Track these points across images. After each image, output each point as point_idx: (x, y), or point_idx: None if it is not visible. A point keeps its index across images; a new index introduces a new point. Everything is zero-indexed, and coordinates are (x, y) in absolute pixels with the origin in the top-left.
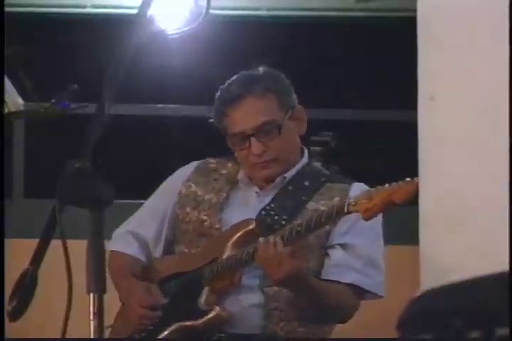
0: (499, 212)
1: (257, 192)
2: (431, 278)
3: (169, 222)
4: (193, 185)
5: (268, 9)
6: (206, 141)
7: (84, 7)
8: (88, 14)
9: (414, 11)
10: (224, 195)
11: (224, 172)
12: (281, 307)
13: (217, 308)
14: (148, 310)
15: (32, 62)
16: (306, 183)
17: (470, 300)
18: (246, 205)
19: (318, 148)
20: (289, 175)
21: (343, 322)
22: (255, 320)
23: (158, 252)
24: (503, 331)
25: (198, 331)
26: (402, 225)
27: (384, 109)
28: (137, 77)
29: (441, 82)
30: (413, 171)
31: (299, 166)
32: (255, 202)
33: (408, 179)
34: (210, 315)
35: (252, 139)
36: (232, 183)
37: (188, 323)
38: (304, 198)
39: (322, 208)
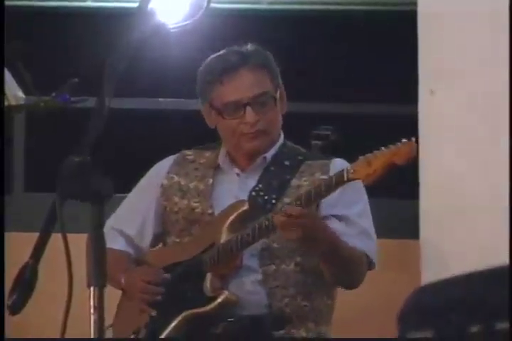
0: (499, 206)
1: (237, 174)
2: (432, 272)
3: (155, 216)
4: (175, 177)
5: (268, 3)
6: (206, 135)
7: (84, 0)
8: (88, 8)
9: (415, 4)
10: (210, 180)
11: (202, 161)
12: (282, 284)
13: (226, 292)
14: (150, 285)
15: (32, 56)
16: (287, 163)
17: (470, 293)
18: (230, 188)
19: (319, 142)
20: (269, 155)
21: (355, 285)
22: (260, 299)
23: (145, 246)
24: (503, 325)
25: (208, 317)
26: (403, 219)
27: (384, 103)
28: (138, 70)
29: (442, 77)
30: (414, 164)
31: (277, 146)
32: (238, 184)
33: (404, 140)
34: (219, 300)
35: (248, 108)
36: (214, 168)
37: (197, 310)
38: (287, 177)
39: (305, 184)
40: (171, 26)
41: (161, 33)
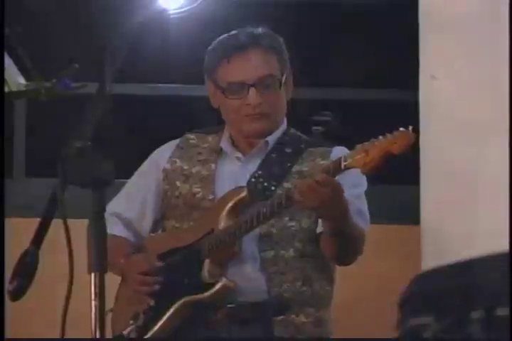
0: (500, 192)
1: (238, 158)
2: (432, 258)
3: (156, 200)
4: (177, 161)
5: None
6: (207, 121)
7: None
8: None
9: None
10: (213, 165)
11: (205, 145)
12: (281, 270)
13: (224, 279)
14: (147, 276)
15: (31, 39)
16: (288, 150)
17: (471, 280)
18: (232, 173)
19: (319, 128)
20: (271, 139)
21: (351, 262)
22: (259, 285)
23: (144, 231)
24: (504, 311)
25: (205, 304)
26: (404, 205)
27: (385, 88)
28: (138, 56)
29: (443, 61)
30: (414, 149)
31: (279, 132)
32: (240, 169)
33: (402, 129)
34: (217, 287)
35: (252, 89)
36: (216, 152)
37: (195, 297)
38: (288, 164)
39: (305, 169)
40: (172, 12)
41: (162, 19)
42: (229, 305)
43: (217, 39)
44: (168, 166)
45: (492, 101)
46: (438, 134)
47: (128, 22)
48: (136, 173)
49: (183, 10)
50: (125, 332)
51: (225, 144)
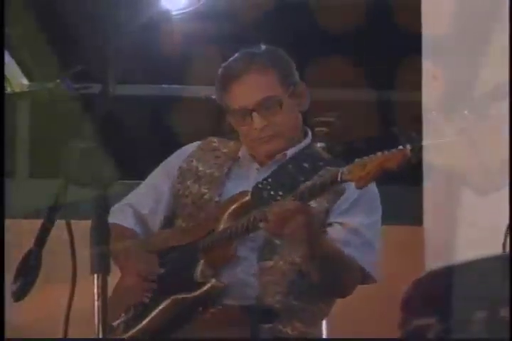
0: (501, 192)
1: (257, 169)
2: (435, 259)
3: (168, 198)
4: (194, 161)
5: None
6: (211, 121)
7: None
8: None
9: None
10: (226, 169)
11: (225, 150)
12: (276, 281)
13: (213, 280)
14: (143, 281)
15: (34, 40)
16: (306, 165)
17: (474, 280)
18: (246, 181)
19: (323, 129)
20: (290, 152)
21: (344, 294)
22: (251, 292)
23: (155, 227)
24: (507, 312)
25: (193, 303)
26: (406, 206)
27: (387, 88)
28: (141, 57)
29: (444, 62)
30: (418, 149)
31: (300, 146)
32: (255, 178)
33: (401, 147)
34: (206, 287)
35: (254, 114)
36: (234, 159)
37: (184, 295)
38: (301, 178)
39: None
40: (175, 12)
41: (165, 19)
42: (217, 307)
43: (222, 65)
44: (184, 165)
45: (493, 101)
46: (441, 134)
47: (131, 23)
48: (157, 169)
49: (186, 10)
50: (114, 324)
51: (243, 154)
